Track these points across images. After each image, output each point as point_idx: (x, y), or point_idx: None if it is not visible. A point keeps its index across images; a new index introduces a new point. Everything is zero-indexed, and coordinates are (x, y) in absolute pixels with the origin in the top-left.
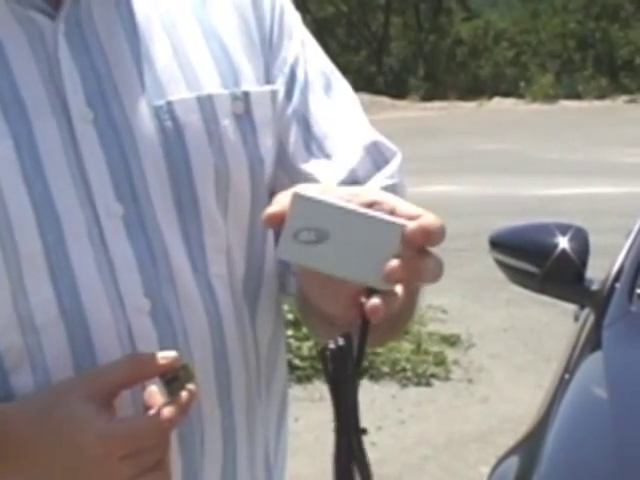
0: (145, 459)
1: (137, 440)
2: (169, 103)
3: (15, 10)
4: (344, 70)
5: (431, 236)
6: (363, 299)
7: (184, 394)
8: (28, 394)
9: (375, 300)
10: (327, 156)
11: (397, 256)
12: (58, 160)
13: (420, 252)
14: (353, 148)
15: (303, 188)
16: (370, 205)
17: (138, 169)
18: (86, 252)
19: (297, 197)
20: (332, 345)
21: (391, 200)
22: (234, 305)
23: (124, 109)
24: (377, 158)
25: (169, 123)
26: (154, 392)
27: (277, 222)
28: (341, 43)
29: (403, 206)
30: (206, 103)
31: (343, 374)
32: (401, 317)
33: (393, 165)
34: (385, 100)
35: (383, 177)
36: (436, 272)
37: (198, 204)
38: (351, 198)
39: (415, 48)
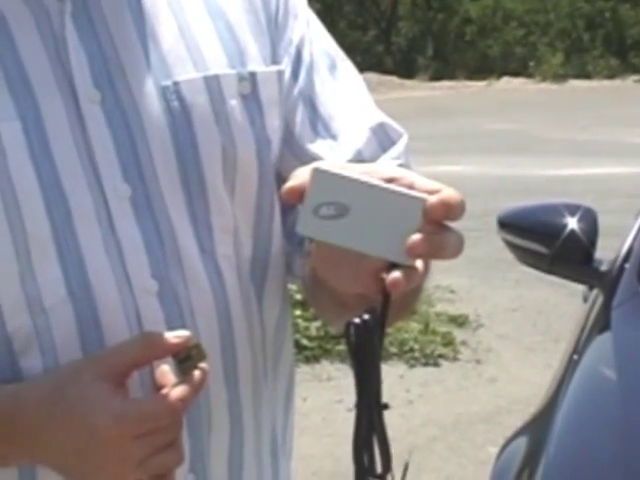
0: (158, 439)
1: (151, 420)
2: (176, 83)
3: None
4: (352, 49)
5: (452, 210)
6: (383, 275)
7: (197, 373)
8: (39, 375)
9: (397, 274)
10: (333, 137)
11: (418, 230)
12: (65, 141)
13: (440, 227)
14: (359, 129)
15: (322, 164)
16: (389, 181)
17: (145, 150)
18: (94, 233)
19: (317, 172)
20: (357, 319)
21: (409, 176)
22: (240, 286)
23: (131, 90)
24: (383, 139)
25: (176, 103)
26: (166, 372)
27: (296, 197)
28: (349, 22)
29: (421, 181)
30: (213, 83)
31: (367, 348)
32: (412, 297)
33: (399, 146)
34: (394, 79)
35: (389, 158)
36: (457, 247)
37: (205, 185)
38: (370, 174)
39: (424, 27)
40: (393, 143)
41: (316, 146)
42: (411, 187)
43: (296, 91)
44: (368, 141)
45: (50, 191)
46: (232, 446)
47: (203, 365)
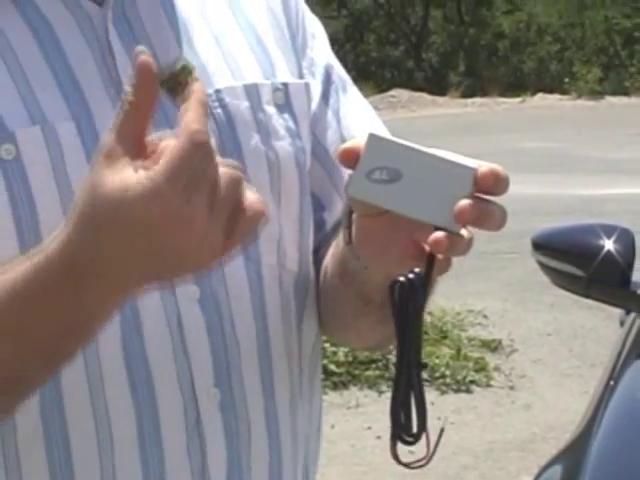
0: (206, 178)
1: (183, 170)
2: (217, 91)
3: None
4: (381, 65)
5: (500, 181)
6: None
7: (195, 87)
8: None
9: (440, 233)
10: None
11: (467, 198)
12: None
13: (486, 199)
14: None
15: (378, 131)
16: None
17: None
18: None
19: (373, 137)
20: (402, 278)
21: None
22: (281, 298)
23: None
24: None
25: (219, 110)
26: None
27: (351, 159)
28: (379, 37)
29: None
30: (252, 91)
31: (411, 307)
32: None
33: None
34: (424, 96)
35: None
36: (502, 218)
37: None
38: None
39: (455, 42)
40: None
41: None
42: None
43: (329, 111)
44: None
45: None
46: (271, 460)
47: (194, 75)
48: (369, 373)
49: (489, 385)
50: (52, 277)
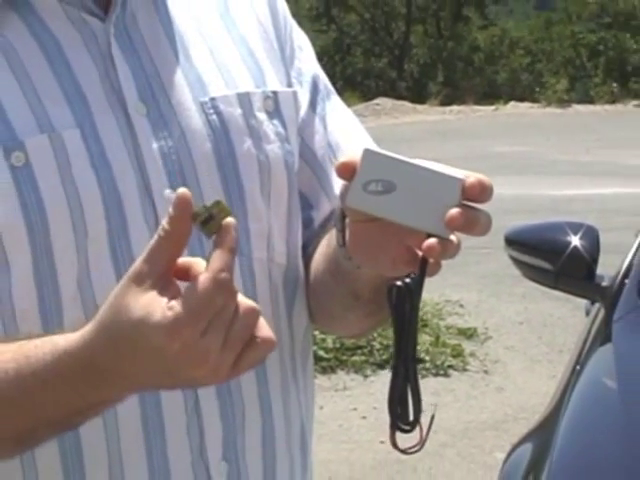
0: (222, 318)
1: (204, 311)
2: (213, 99)
3: (68, 11)
4: (367, 75)
5: (485, 190)
6: (423, 244)
7: (227, 232)
8: (93, 320)
9: (433, 240)
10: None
11: (456, 207)
12: (120, 149)
13: (472, 207)
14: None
15: (372, 146)
16: None
17: (188, 159)
18: (144, 235)
19: (368, 152)
20: (399, 282)
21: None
22: (270, 290)
23: (172, 104)
24: None
25: (214, 117)
26: (193, 261)
27: (348, 172)
28: (364, 49)
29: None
30: (245, 100)
31: (407, 308)
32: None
33: None
34: (406, 104)
35: None
36: (487, 224)
37: (244, 192)
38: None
39: (434, 54)
40: None
41: (331, 169)
42: None
43: (316, 118)
44: None
45: (108, 196)
46: (264, 440)
47: (228, 220)
48: (355, 358)
49: (465, 370)
50: (71, 370)
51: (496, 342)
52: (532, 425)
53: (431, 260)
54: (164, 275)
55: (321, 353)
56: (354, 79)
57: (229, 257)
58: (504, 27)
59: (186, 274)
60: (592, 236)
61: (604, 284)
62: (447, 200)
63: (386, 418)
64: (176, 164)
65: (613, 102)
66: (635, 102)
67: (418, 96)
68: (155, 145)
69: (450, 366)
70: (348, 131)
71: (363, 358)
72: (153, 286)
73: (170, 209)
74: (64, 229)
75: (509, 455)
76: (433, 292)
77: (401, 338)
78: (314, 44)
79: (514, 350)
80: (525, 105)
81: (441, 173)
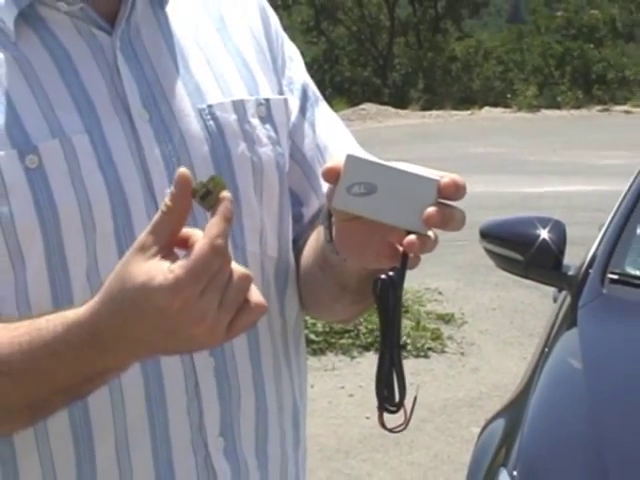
0: (218, 281)
1: (202, 272)
2: (210, 106)
3: (78, 26)
4: (353, 82)
5: (460, 188)
6: (404, 240)
7: (223, 204)
8: (100, 290)
9: (412, 237)
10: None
11: (433, 205)
12: (125, 153)
13: (448, 205)
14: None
15: (355, 152)
16: None
17: (187, 161)
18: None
19: (350, 157)
20: (383, 275)
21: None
22: (262, 280)
23: (172, 111)
24: None
25: (211, 122)
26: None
27: (333, 176)
28: (351, 59)
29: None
30: (239, 106)
31: (391, 298)
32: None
33: None
34: (389, 109)
35: None
36: (462, 220)
37: (238, 191)
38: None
39: (415, 64)
40: None
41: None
42: None
43: (306, 123)
44: None
45: (115, 195)
46: (258, 415)
47: (224, 193)
48: (343, 341)
49: (443, 352)
50: (79, 339)
51: (472, 326)
52: (505, 402)
53: (411, 255)
54: (166, 246)
55: (312, 336)
56: (342, 86)
57: (225, 225)
58: (479, 39)
59: (185, 243)
60: (559, 230)
61: (570, 273)
62: (424, 199)
63: (371, 396)
64: (176, 166)
65: (578, 107)
66: (598, 107)
67: (400, 102)
68: (157, 148)
69: (430, 348)
70: (335, 134)
71: (350, 341)
72: (155, 254)
73: (172, 187)
74: (74, 226)
75: (483, 429)
76: (414, 281)
77: (386, 327)
78: (306, 54)
79: (488, 334)
80: (498, 110)
81: (418, 175)
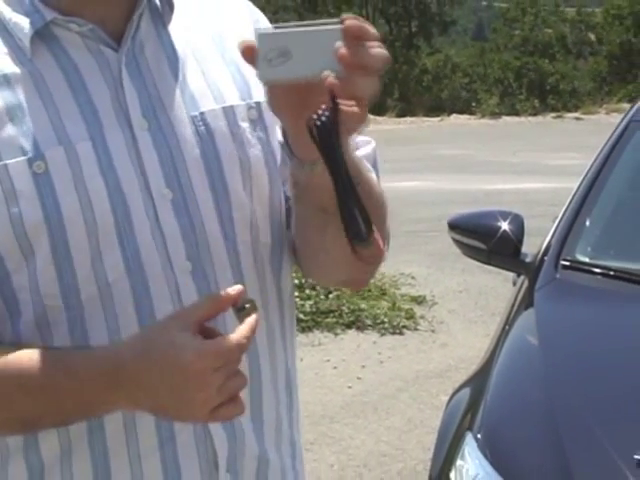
0: (229, 368)
1: (225, 354)
2: (202, 113)
3: (88, 44)
4: None
5: (363, 26)
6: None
7: (251, 319)
8: (132, 335)
9: (329, 77)
10: None
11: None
12: (124, 157)
13: (361, 43)
14: None
15: (263, 28)
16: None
17: (182, 163)
18: (145, 226)
19: (259, 33)
20: (318, 122)
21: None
22: (256, 265)
23: (169, 119)
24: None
25: (203, 128)
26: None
27: (250, 54)
28: None
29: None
30: (229, 112)
31: (330, 139)
32: (377, 215)
33: (368, 148)
34: (369, 116)
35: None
36: (379, 56)
37: (228, 188)
38: None
39: (391, 76)
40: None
41: None
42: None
43: None
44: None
45: (114, 195)
46: (252, 382)
47: (255, 314)
48: (328, 320)
49: (416, 329)
50: (100, 367)
51: (441, 307)
52: (470, 373)
53: (342, 105)
54: (201, 324)
55: (301, 316)
56: None
57: (250, 334)
58: (447, 54)
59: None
60: (518, 222)
61: (528, 260)
62: (335, 46)
63: (353, 367)
64: (172, 168)
65: (535, 114)
66: (552, 114)
67: (378, 109)
68: (154, 153)
69: (404, 326)
70: None
71: (334, 320)
72: (192, 327)
73: (221, 292)
74: (77, 224)
75: (451, 398)
76: (390, 267)
77: (331, 161)
78: None
79: (455, 313)
80: (464, 117)
81: (323, 28)
